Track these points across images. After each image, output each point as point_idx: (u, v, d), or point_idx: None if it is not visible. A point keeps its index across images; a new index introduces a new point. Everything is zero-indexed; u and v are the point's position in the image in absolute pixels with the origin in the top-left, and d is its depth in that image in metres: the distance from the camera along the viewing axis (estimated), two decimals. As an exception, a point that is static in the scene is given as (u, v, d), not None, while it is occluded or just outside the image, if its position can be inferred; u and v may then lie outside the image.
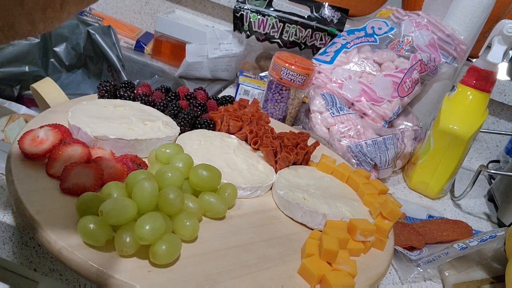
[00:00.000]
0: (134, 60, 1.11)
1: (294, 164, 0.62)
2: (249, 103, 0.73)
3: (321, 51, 0.90)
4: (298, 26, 0.98)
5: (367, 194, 0.57)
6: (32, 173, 0.45)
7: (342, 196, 0.57)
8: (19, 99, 0.95)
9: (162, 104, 0.64)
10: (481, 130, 0.78)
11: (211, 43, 1.00)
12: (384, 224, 0.52)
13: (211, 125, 0.64)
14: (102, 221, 0.38)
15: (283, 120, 0.84)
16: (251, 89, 0.91)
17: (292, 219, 0.52)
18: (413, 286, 0.58)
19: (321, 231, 0.50)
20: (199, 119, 0.64)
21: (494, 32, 0.72)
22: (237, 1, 0.97)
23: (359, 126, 0.76)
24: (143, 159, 0.53)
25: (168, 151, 0.50)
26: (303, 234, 0.50)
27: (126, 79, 0.88)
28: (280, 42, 1.00)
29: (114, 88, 0.65)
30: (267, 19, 0.97)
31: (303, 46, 1.01)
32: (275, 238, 0.48)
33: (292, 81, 0.78)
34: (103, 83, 0.64)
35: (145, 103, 0.64)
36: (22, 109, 0.77)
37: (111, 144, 0.51)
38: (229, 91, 1.04)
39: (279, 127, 0.74)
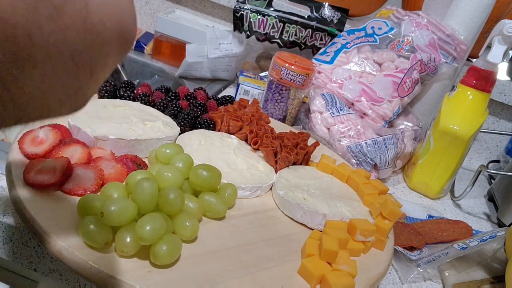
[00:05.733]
0: (134, 60, 1.11)
1: (294, 164, 0.62)
2: (249, 103, 0.73)
3: (321, 51, 0.90)
4: (298, 26, 0.98)
5: (367, 194, 0.57)
6: (32, 173, 0.45)
7: (342, 196, 0.57)
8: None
9: (162, 104, 0.64)
10: (481, 130, 0.78)
11: (211, 43, 1.00)
12: (384, 224, 0.52)
13: (211, 125, 0.64)
14: (103, 222, 0.38)
15: (283, 120, 0.84)
16: (251, 89, 0.91)
17: (292, 219, 0.52)
18: (413, 286, 0.58)
19: (321, 231, 0.50)
20: (199, 119, 0.64)
21: (494, 32, 0.72)
22: (237, 1, 0.96)
23: (359, 126, 0.76)
24: (143, 159, 0.53)
25: (168, 151, 0.50)
26: (303, 234, 0.50)
27: (126, 79, 0.88)
28: (280, 42, 1.00)
29: (114, 88, 0.65)
30: (267, 19, 0.97)
31: (303, 46, 1.01)
32: (275, 238, 0.48)
33: (292, 81, 0.78)
34: (103, 83, 0.64)
35: (145, 103, 0.64)
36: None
37: (111, 144, 0.51)
38: (229, 91, 1.03)
39: (279, 127, 0.74)
